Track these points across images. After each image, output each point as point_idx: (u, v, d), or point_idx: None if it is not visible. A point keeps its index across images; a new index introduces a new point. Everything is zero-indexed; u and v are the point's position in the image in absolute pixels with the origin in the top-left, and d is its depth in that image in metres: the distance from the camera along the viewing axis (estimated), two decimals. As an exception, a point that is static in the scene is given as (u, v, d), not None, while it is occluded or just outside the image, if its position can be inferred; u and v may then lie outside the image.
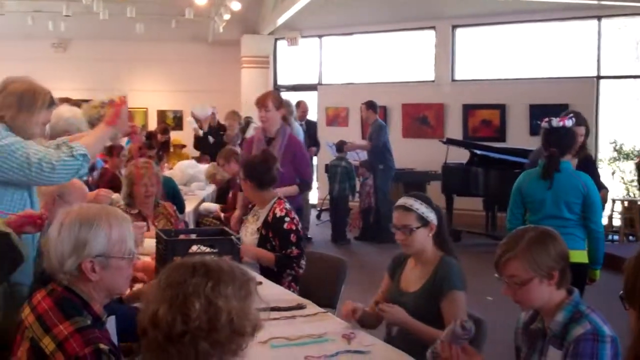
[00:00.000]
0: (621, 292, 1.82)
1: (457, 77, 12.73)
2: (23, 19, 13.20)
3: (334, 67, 14.42)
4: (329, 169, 11.00)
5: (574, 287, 2.63)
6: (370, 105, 10.44)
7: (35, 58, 14.73)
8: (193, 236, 4.05)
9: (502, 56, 12.52)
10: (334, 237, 10.50)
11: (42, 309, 2.18)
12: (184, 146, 12.47)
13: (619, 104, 11.87)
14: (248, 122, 10.45)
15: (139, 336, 1.79)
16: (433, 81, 12.84)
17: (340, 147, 10.84)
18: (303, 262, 4.49)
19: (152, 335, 1.72)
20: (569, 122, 4.52)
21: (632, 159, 11.07)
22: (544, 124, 4.58)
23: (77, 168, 3.07)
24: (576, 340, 2.42)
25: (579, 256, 4.35)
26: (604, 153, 11.52)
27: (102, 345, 2.05)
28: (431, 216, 3.34)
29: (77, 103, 4.12)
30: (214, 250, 3.52)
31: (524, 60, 12.26)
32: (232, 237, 3.68)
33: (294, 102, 9.96)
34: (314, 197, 13.55)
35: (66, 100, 3.83)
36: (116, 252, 2.24)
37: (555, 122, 4.51)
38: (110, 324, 2.42)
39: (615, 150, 11.35)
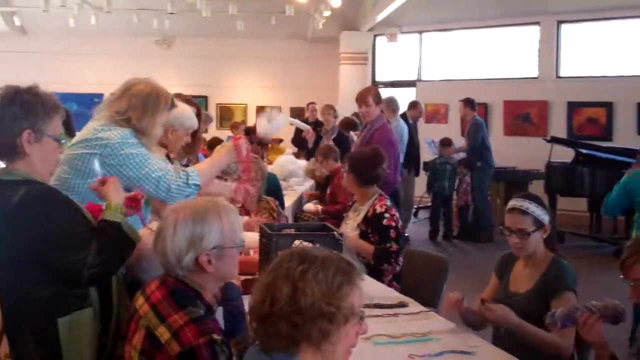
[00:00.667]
0: None
1: (562, 74, 12.32)
2: (129, 17, 13.65)
3: (434, 63, 14.23)
4: (429, 166, 10.87)
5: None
6: (468, 103, 10.28)
7: (140, 54, 15.27)
8: (291, 231, 4.06)
9: (609, 52, 12.01)
10: (432, 235, 10.38)
11: (156, 299, 2.23)
12: (281, 140, 12.60)
13: None
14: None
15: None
16: (536, 77, 12.48)
17: (445, 144, 10.67)
18: (400, 259, 4.44)
19: (250, 316, 1.80)
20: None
21: None
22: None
23: (187, 194, 3.15)
24: None
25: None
26: None
27: (215, 336, 2.09)
28: (545, 218, 3.24)
29: (187, 98, 4.19)
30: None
31: (631, 56, 11.72)
32: (335, 232, 3.68)
33: (401, 100, 9.76)
34: (410, 194, 13.44)
35: (177, 96, 3.89)
36: (228, 242, 2.29)
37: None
38: (219, 313, 2.46)
39: None
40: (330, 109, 10.16)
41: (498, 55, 13.35)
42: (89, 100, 15.39)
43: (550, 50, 12.32)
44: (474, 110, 10.36)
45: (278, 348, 1.73)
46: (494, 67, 13.32)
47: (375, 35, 14.88)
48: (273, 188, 6.40)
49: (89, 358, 2.48)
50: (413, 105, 10.46)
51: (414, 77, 14.26)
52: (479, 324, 3.33)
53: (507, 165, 11.32)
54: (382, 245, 4.37)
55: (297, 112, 14.20)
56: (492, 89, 12.49)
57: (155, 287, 2.28)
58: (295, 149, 11.29)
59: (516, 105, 12.39)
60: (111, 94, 3.33)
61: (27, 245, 2.36)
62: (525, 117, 12.33)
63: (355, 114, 11.64)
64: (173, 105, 3.34)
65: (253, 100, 15.88)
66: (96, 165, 2.95)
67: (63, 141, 2.57)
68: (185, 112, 3.93)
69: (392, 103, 9.27)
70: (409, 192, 9.96)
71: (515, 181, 11.06)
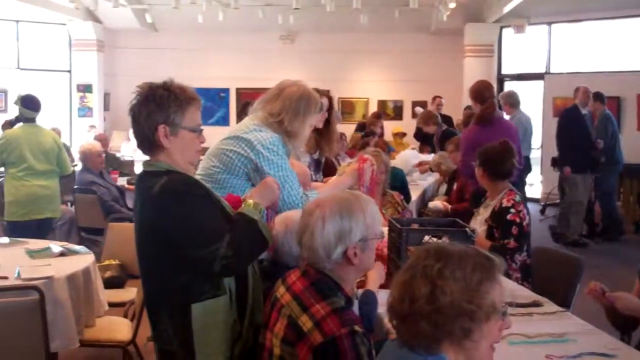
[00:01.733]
0: None
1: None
2: (254, 13, 13.94)
3: (563, 55, 13.74)
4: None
5: None
6: (598, 97, 9.89)
7: (264, 50, 15.59)
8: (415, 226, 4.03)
9: None
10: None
11: (298, 289, 2.28)
12: (404, 134, 12.56)
13: None
14: None
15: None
16: (674, 69, 11.82)
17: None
18: (519, 257, 4.32)
19: (389, 313, 1.79)
20: None
21: None
22: None
23: None
24: None
25: None
26: None
27: (357, 327, 2.12)
28: None
29: (317, 89, 4.22)
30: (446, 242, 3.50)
31: None
32: (466, 228, 3.62)
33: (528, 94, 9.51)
34: (536, 191, 13.06)
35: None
36: (372, 233, 2.32)
37: None
38: (355, 305, 2.48)
39: None
40: (430, 118, 9.80)
41: (631, 47, 12.73)
42: (215, 95, 15.90)
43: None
44: (604, 104, 9.95)
45: (421, 346, 1.72)
46: (627, 59, 12.71)
47: (501, 27, 14.54)
48: (398, 182, 6.38)
49: (222, 345, 2.54)
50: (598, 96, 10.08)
51: (542, 70, 13.84)
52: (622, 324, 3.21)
53: (641, 161, 10.80)
54: (500, 241, 4.28)
55: (419, 106, 14.10)
56: (625, 82, 11.91)
57: (296, 278, 2.34)
58: (418, 144, 11.23)
59: (651, 98, 11.77)
60: (264, 95, 3.45)
61: (165, 233, 2.45)
62: (661, 111, 11.70)
63: (468, 107, 11.48)
64: (322, 109, 3.43)
65: (375, 94, 15.90)
66: None
67: (201, 130, 2.63)
68: None
69: (509, 98, 9.16)
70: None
71: (649, 178, 10.56)
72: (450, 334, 1.71)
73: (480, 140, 5.27)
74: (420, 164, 9.02)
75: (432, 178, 8.66)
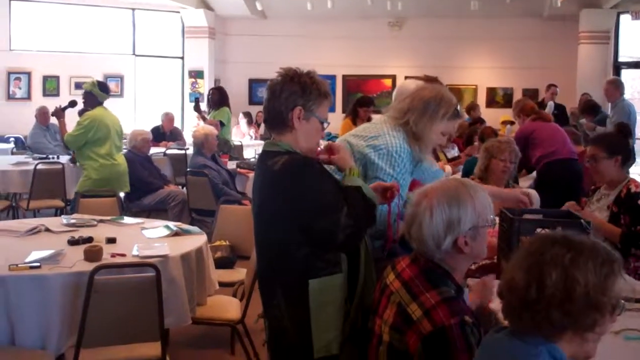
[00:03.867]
0: None
1: None
2: (363, 0, 13.91)
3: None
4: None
5: None
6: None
7: (372, 37, 15.56)
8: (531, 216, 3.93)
9: None
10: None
11: (408, 276, 2.28)
12: (512, 123, 12.25)
13: None
14: None
15: (500, 299, 1.82)
16: None
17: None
18: None
19: (507, 300, 1.77)
20: None
21: None
22: None
23: None
24: None
25: None
26: None
27: (467, 317, 2.10)
28: None
29: (430, 78, 4.16)
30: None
31: None
32: (582, 221, 3.51)
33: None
34: None
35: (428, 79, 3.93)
36: (482, 221, 2.29)
37: None
38: (465, 294, 2.46)
39: None
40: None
41: None
42: (324, 82, 15.99)
43: None
44: None
45: (541, 334, 1.70)
46: None
47: (618, 13, 13.95)
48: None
49: (335, 323, 2.60)
50: None
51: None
52: None
53: None
54: (632, 227, 4.12)
55: (530, 94, 13.74)
56: None
57: (406, 265, 2.34)
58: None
59: None
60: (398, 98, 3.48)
61: (287, 208, 2.56)
62: None
63: (586, 94, 11.07)
64: (457, 116, 3.36)
65: (483, 81, 15.59)
66: None
67: (328, 124, 2.75)
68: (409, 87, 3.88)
69: (618, 84, 9.22)
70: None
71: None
72: (577, 324, 1.70)
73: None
74: None
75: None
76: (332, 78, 16.07)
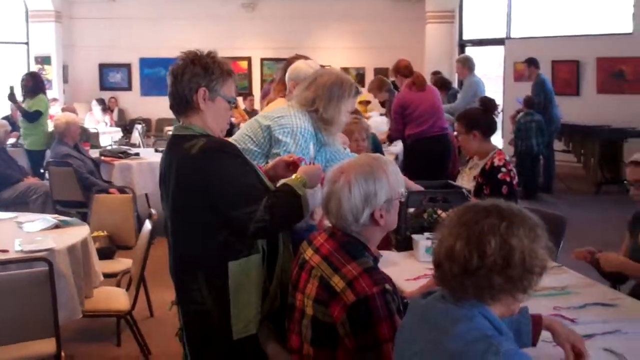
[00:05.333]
0: None
1: (659, 29, 11.91)
2: (216, -20, 13.82)
3: (523, 20, 13.94)
4: (517, 124, 10.75)
5: None
6: (532, 62, 10.76)
7: (226, 18, 15.46)
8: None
9: None
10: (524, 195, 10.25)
11: (327, 251, 2.35)
12: (368, 102, 12.61)
13: None
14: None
15: (434, 268, 1.89)
16: (631, 34, 12.10)
17: (529, 103, 10.56)
18: None
19: (447, 268, 1.83)
20: None
21: None
22: None
23: None
24: None
25: None
26: None
27: (387, 286, 2.20)
28: None
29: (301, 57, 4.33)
30: (447, 204, 3.64)
31: None
32: (463, 189, 3.76)
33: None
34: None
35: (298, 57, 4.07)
36: (395, 194, 2.40)
37: None
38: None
39: None
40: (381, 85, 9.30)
41: (590, 11, 12.99)
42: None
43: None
44: (538, 68, 10.77)
45: (477, 298, 1.81)
46: (586, 23, 12.98)
47: (462, -7, 14.68)
48: (374, 148, 6.47)
49: (254, 302, 2.65)
50: None
51: (502, 35, 14.03)
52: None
53: (601, 123, 11.09)
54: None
55: (381, 74, 14.15)
56: (584, 45, 12.18)
57: (323, 240, 2.41)
58: (384, 110, 11.27)
59: (610, 62, 12.05)
60: (299, 86, 3.60)
61: (205, 192, 2.56)
62: (619, 74, 12.00)
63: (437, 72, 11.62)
64: (358, 92, 3.56)
65: (337, 61, 15.85)
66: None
67: (233, 103, 2.77)
68: (303, 69, 4.00)
69: (467, 62, 9.83)
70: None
71: (609, 139, 10.88)
72: (515, 288, 1.80)
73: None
74: None
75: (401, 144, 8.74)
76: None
